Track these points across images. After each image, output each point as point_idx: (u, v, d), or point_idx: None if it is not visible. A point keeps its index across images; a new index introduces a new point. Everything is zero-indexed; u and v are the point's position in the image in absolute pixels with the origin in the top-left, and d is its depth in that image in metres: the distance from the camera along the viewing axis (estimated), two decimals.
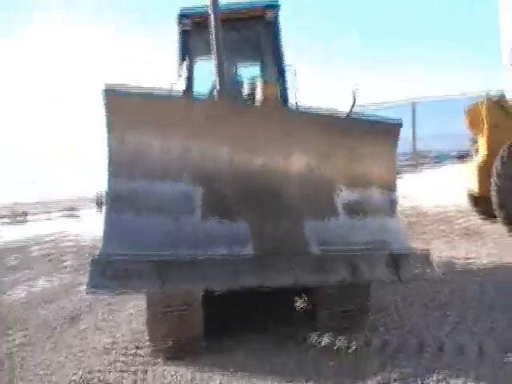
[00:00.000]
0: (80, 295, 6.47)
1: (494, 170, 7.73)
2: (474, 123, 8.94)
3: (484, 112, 8.68)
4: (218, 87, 3.89)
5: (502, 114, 8.47)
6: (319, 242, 3.46)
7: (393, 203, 3.99)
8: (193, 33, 5.84)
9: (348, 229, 3.67)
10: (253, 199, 3.40)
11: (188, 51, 5.94)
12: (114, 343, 4.26)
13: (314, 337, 3.86)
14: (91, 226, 18.85)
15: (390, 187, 4.04)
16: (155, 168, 3.18)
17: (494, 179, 7.74)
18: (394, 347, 3.60)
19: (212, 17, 3.89)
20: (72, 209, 30.21)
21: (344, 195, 3.76)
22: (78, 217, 25.86)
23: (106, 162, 3.04)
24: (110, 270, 2.76)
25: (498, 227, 8.11)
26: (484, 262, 6.28)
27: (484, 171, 8.33)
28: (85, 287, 2.80)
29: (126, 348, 4.07)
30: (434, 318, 4.17)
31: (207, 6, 3.97)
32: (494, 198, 7.72)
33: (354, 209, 3.76)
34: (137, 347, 4.06)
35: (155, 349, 3.70)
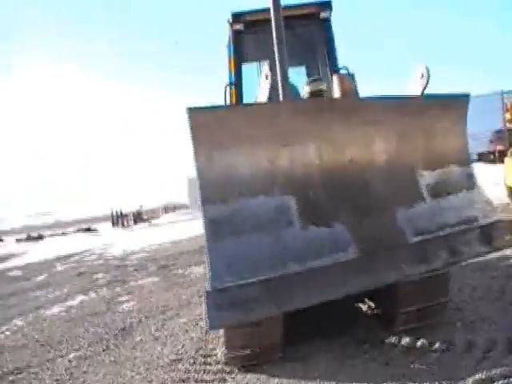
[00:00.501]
0: (123, 307, 6.33)
1: None
2: None
3: None
4: (280, 89, 3.73)
5: None
6: (414, 230, 3.32)
7: (470, 176, 3.88)
8: (245, 34, 5.74)
9: (436, 211, 3.53)
10: (345, 198, 3.24)
11: (241, 52, 5.84)
12: (177, 354, 4.06)
13: (391, 338, 3.66)
14: (111, 241, 18.87)
15: (466, 161, 3.94)
16: (249, 185, 2.98)
17: None
18: (481, 344, 3.38)
19: (273, 15, 3.75)
20: (89, 228, 30.27)
21: (426, 177, 3.63)
22: (96, 233, 25.84)
23: (198, 186, 2.87)
24: (225, 301, 2.60)
25: None
26: None
27: None
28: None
29: (194, 358, 3.87)
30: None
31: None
32: None
33: (437, 189, 3.64)
34: (204, 356, 3.88)
35: (230, 357, 3.51)
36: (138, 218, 33.18)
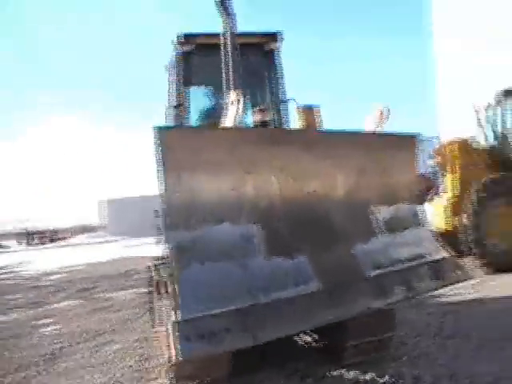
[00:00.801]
0: (48, 330, 5.96)
1: (470, 207, 7.87)
2: (442, 163, 9.26)
3: (453, 153, 8.99)
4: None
5: (470, 155, 8.85)
6: (371, 264, 3.36)
7: (420, 214, 4.00)
8: (195, 55, 5.59)
9: (390, 246, 3.60)
10: (307, 230, 3.22)
11: (189, 75, 5.67)
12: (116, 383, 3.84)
13: (335, 372, 3.67)
14: (22, 260, 17.87)
15: (415, 199, 4.06)
16: (216, 211, 2.89)
17: (467, 216, 7.90)
18: (428, 379, 3.46)
19: (229, 39, 3.76)
20: None
21: (380, 213, 3.70)
22: (7, 250, 24.47)
23: (163, 210, 2.70)
24: (193, 332, 2.47)
25: (468, 261, 8.07)
26: (471, 292, 6.30)
27: (453, 209, 8.59)
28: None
29: None
30: (452, 349, 4.07)
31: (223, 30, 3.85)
32: (469, 235, 7.86)
33: (391, 225, 3.71)
34: None
35: None
36: (49, 237, 31.56)
